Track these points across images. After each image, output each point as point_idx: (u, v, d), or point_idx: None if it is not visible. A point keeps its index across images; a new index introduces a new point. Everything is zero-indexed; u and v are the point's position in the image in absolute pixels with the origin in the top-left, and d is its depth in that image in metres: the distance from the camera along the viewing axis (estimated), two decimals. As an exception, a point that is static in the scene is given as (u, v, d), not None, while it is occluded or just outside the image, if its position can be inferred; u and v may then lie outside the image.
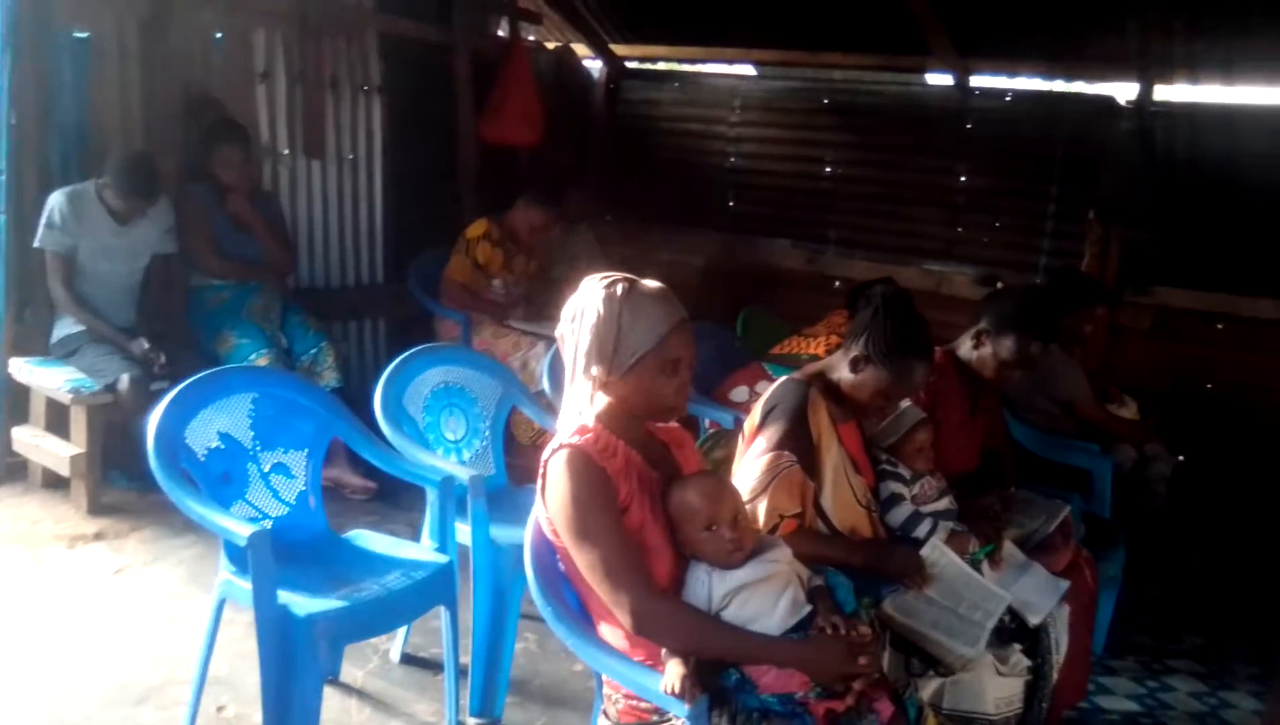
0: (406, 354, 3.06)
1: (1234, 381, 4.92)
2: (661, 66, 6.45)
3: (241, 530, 2.24)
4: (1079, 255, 4.97)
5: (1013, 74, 5.39)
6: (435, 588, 2.58)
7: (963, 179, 5.58)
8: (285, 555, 2.44)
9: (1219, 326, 4.93)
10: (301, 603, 2.32)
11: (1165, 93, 4.90)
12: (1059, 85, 5.29)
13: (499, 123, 5.41)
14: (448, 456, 3.07)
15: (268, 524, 2.60)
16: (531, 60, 5.73)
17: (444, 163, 5.50)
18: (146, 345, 3.78)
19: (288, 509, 2.70)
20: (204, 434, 2.56)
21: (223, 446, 2.60)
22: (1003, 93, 5.46)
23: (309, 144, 4.80)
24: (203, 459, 2.55)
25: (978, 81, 5.43)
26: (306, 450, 2.77)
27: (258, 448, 2.67)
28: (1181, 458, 4.07)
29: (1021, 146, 5.36)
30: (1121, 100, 5.02)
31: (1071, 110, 5.22)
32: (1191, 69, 4.81)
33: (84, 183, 3.86)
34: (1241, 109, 4.87)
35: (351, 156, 5.08)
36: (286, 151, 4.80)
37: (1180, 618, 4.03)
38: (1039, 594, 2.47)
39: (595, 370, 1.86)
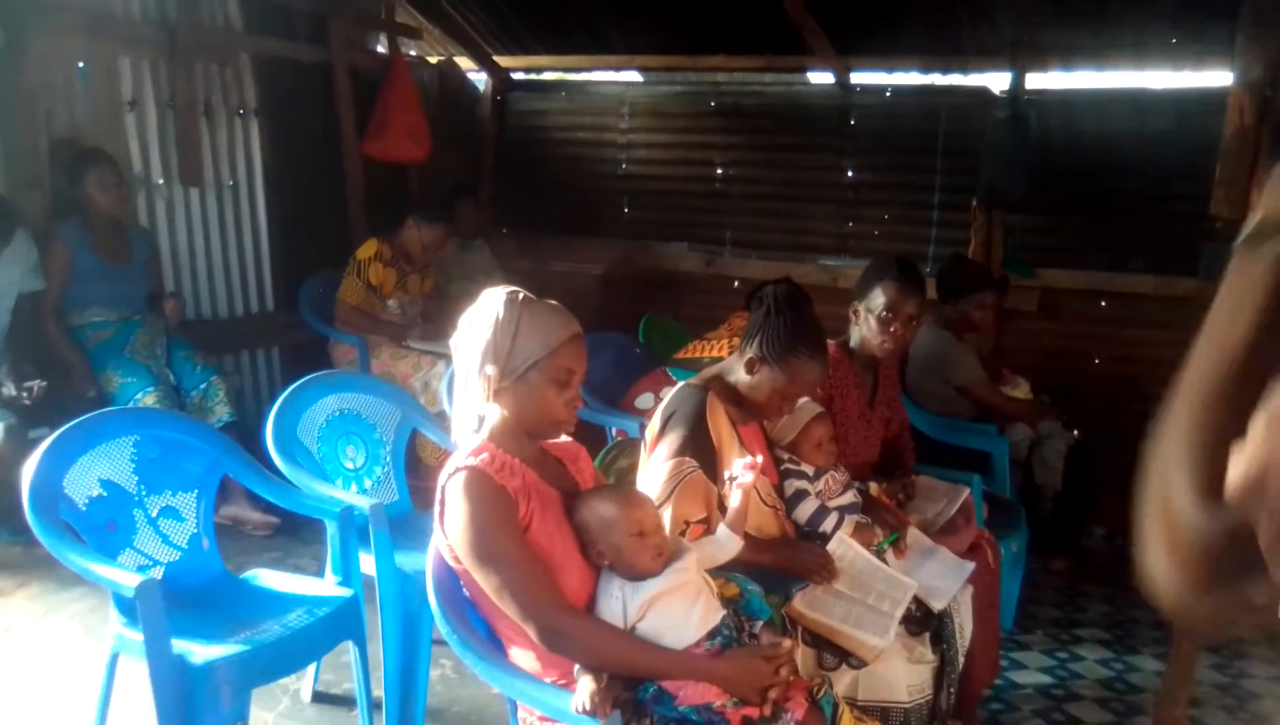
0: (297, 384, 2.97)
1: (1119, 355, 5.11)
2: (547, 76, 6.42)
3: (128, 580, 2.14)
4: (965, 243, 5.10)
5: (891, 69, 5.50)
6: (341, 623, 2.51)
7: (850, 174, 5.68)
8: (180, 602, 2.35)
9: (1102, 303, 5.11)
10: (199, 650, 2.22)
11: (1038, 80, 5.05)
12: (936, 78, 5.42)
13: (384, 140, 5.31)
14: (347, 486, 2.99)
15: (158, 572, 2.49)
16: (414, 76, 5.64)
17: (330, 184, 5.38)
18: (14, 391, 3.58)
19: (180, 553, 2.59)
20: (84, 482, 2.44)
21: (105, 493, 2.48)
22: (883, 88, 5.58)
23: (185, 172, 4.63)
24: (84, 508, 2.42)
25: (858, 78, 5.53)
26: (196, 491, 2.66)
27: (143, 492, 2.55)
28: (1076, 433, 4.20)
29: (904, 140, 5.49)
30: (996, 90, 5.16)
31: (949, 102, 5.36)
32: (1062, 56, 4.97)
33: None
34: (1111, 92, 5.06)
35: (231, 183, 4.93)
36: (162, 181, 4.63)
37: (1084, 588, 4.17)
38: (945, 577, 2.51)
39: (489, 370, 1.85)
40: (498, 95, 6.37)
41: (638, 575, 1.85)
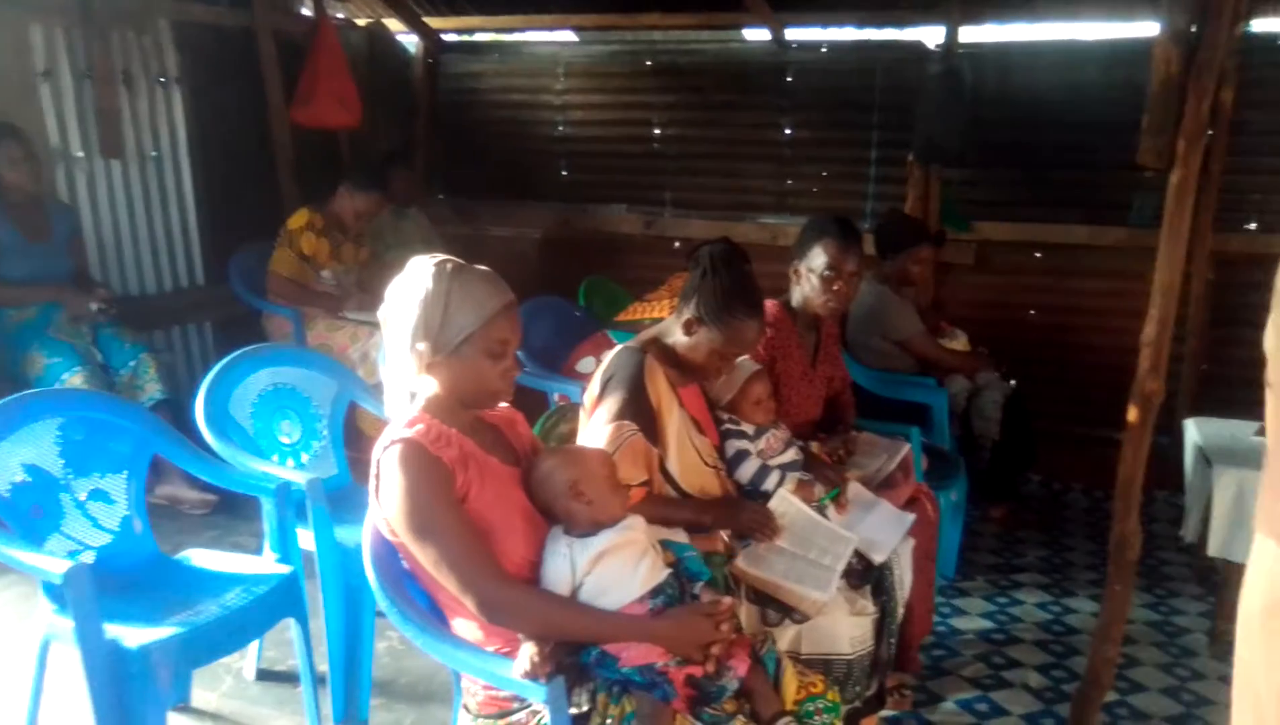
0: (227, 359, 2.90)
1: (1054, 305, 5.19)
2: (480, 38, 6.29)
3: (55, 567, 2.08)
4: (902, 198, 5.12)
5: (827, 25, 5.48)
6: (281, 600, 2.48)
7: (788, 131, 5.66)
8: (112, 586, 2.31)
9: (1036, 255, 5.18)
10: (133, 634, 2.17)
11: (971, 34, 5.06)
12: (872, 33, 5.41)
13: (313, 106, 5.17)
14: (284, 461, 2.94)
15: (88, 557, 2.44)
16: (341, 39, 5.49)
17: (258, 153, 5.24)
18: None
19: (111, 537, 2.53)
20: (6, 468, 2.37)
21: (30, 479, 2.41)
22: (818, 44, 5.55)
23: (105, 144, 4.48)
24: (7, 495, 2.35)
25: (794, 35, 5.50)
26: (126, 472, 2.59)
27: (70, 476, 2.48)
28: (1012, 383, 4.26)
29: (841, 96, 5.48)
30: (931, 44, 5.17)
31: (885, 58, 5.36)
32: (996, 9, 4.99)
33: None
34: (1044, 45, 5.09)
35: (155, 154, 4.78)
36: (81, 154, 4.48)
37: (1022, 535, 4.26)
38: (885, 530, 2.54)
39: (421, 347, 1.81)
40: (429, 58, 6.24)
41: (609, 521, 1.87)
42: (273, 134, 5.25)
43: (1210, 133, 4.00)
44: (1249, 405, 4.36)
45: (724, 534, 2.27)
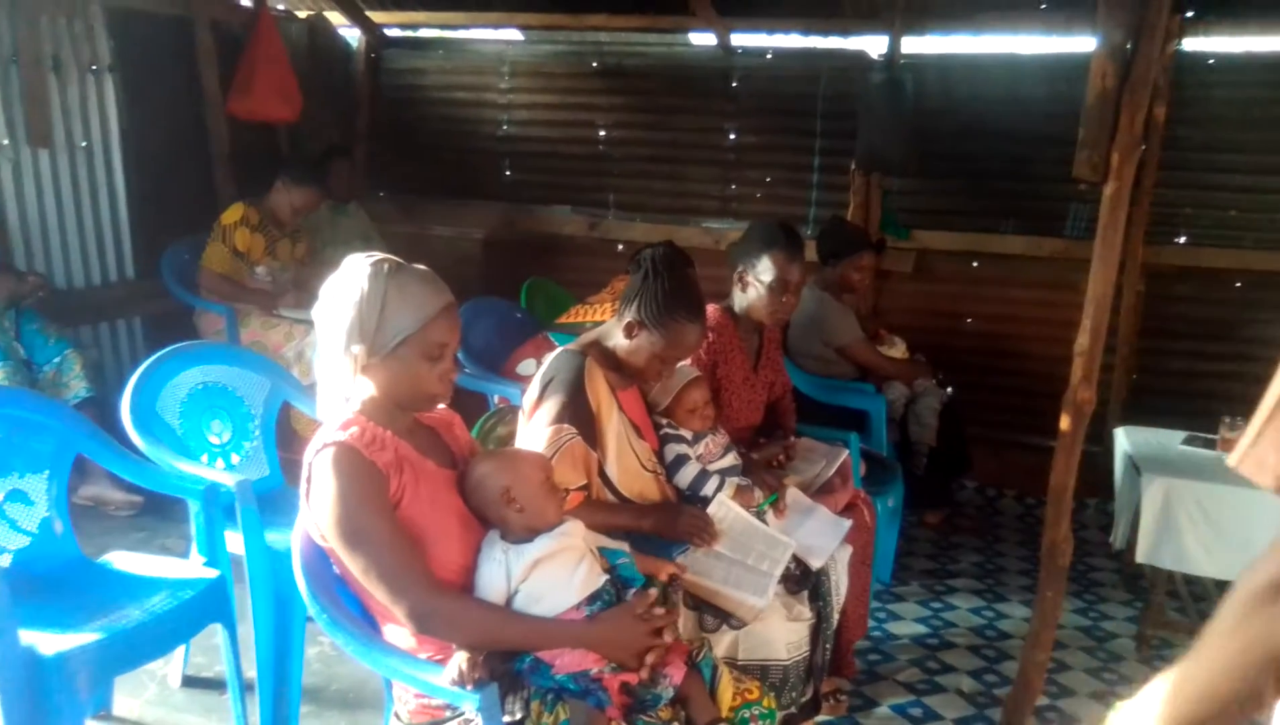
0: (155, 357, 2.81)
1: (990, 314, 5.27)
2: (424, 34, 6.20)
3: (-33, 570, 2.00)
4: (844, 205, 5.16)
5: (771, 31, 5.50)
6: (207, 605, 2.41)
7: (732, 137, 5.67)
8: (30, 590, 2.23)
9: (974, 264, 5.26)
10: (50, 640, 2.10)
11: (914, 45, 5.12)
12: (817, 41, 5.44)
13: (250, 99, 5.06)
14: (213, 462, 2.86)
15: (4, 559, 2.35)
16: (281, 31, 5.39)
17: (193, 145, 5.11)
18: None
19: (30, 539, 2.45)
20: (-83, 467, 2.28)
21: (-58, 479, 2.32)
22: (764, 51, 5.57)
23: (33, 133, 4.33)
24: (-82, 495, 2.26)
25: (739, 40, 5.52)
26: (47, 472, 2.51)
27: (-14, 476, 2.39)
28: (949, 390, 4.32)
29: (785, 103, 5.50)
30: (874, 54, 5.22)
31: (829, 65, 5.39)
32: (938, 20, 5.05)
33: None
34: (985, 57, 5.16)
35: (85, 144, 4.63)
36: (7, 142, 4.32)
37: (957, 540, 4.32)
38: (823, 535, 2.55)
39: (355, 349, 1.77)
40: (371, 53, 6.14)
41: (545, 527, 1.84)
42: (208, 126, 5.13)
43: (1143, 148, 4.09)
44: (1178, 415, 4.48)
45: (678, 562, 2.22)
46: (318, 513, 1.76)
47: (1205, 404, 4.38)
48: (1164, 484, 3.18)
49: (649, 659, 1.78)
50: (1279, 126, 4.70)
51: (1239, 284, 4.86)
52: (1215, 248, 4.86)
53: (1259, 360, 4.67)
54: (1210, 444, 3.52)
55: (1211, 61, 4.75)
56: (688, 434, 2.54)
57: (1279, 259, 4.74)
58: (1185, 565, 3.27)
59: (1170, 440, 3.63)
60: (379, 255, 1.85)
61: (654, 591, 1.88)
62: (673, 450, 2.52)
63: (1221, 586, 2.94)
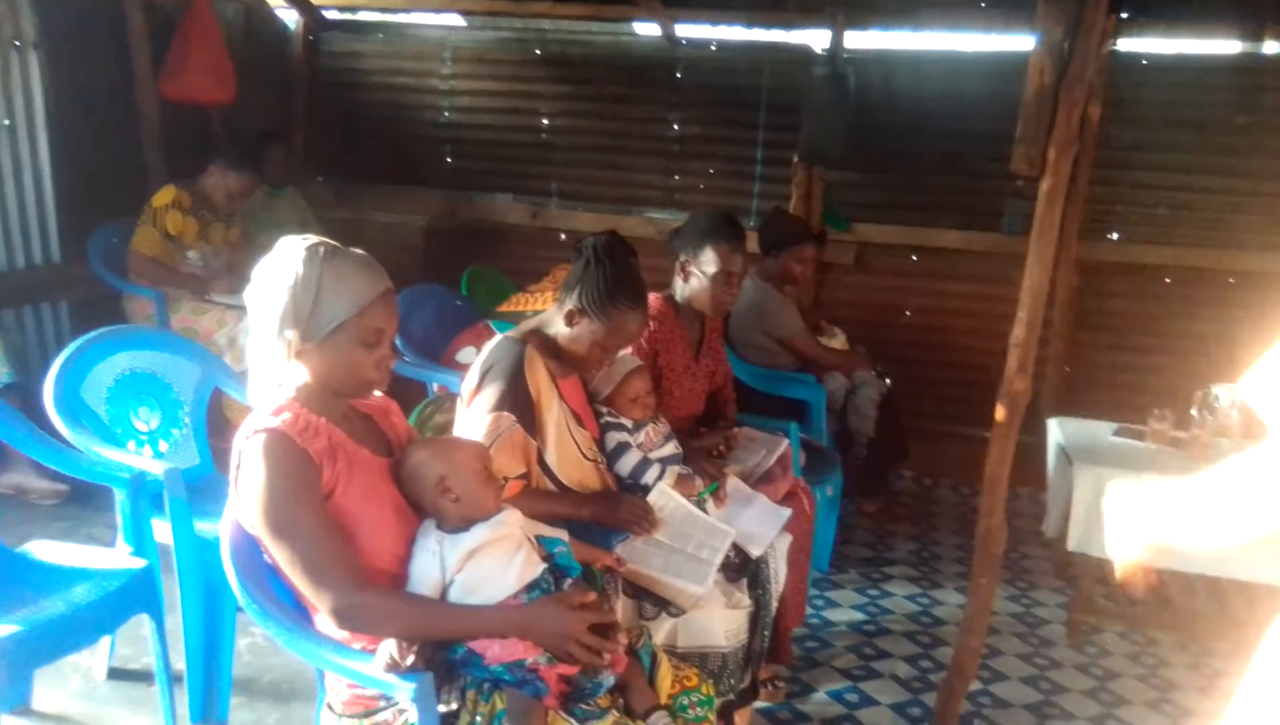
0: (80, 342, 2.72)
1: (928, 307, 5.35)
2: (364, 17, 6.10)
3: (-124, 560, 1.92)
4: (786, 197, 5.19)
5: (716, 23, 5.51)
6: (133, 595, 2.34)
7: (676, 127, 5.68)
8: (-56, 582, 2.14)
9: (913, 257, 5.33)
10: (-35, 633, 2.02)
11: (856, 39, 5.16)
12: (760, 34, 5.46)
13: (183, 80, 4.92)
14: (140, 450, 2.78)
15: (-83, 549, 2.26)
16: (216, 11, 5.25)
17: (123, 126, 4.96)
18: None
19: (-56, 528, 2.36)
20: None
21: None
22: (708, 42, 5.58)
23: (-49, 109, 4.18)
24: None
25: (684, 31, 5.52)
26: (-37, 459, 2.42)
27: (-103, 462, 2.30)
28: (888, 381, 4.37)
29: (729, 95, 5.52)
30: (817, 48, 5.25)
31: (773, 59, 5.42)
32: (880, 16, 5.10)
33: None
34: (926, 53, 5.22)
35: (8, 122, 4.47)
36: (-76, 119, 4.17)
37: (893, 529, 4.37)
38: (762, 524, 2.56)
39: (289, 335, 1.73)
40: (309, 35, 6.02)
41: (481, 516, 1.81)
42: (139, 106, 4.98)
43: (1078, 145, 4.17)
44: (1109, 406, 4.57)
45: (616, 555, 2.21)
46: (246, 500, 1.71)
47: (1135, 396, 4.49)
48: (1095, 474, 3.25)
49: (574, 650, 1.73)
50: (1208, 127, 4.83)
51: (1168, 280, 4.99)
52: (1146, 244, 4.98)
53: (1188, 354, 4.80)
54: (1140, 435, 3.60)
55: (1145, 62, 4.86)
56: (628, 422, 2.53)
57: (1207, 256, 4.88)
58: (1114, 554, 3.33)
59: (1101, 431, 3.71)
60: (314, 238, 1.80)
61: (593, 594, 1.86)
62: (613, 438, 2.50)
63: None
